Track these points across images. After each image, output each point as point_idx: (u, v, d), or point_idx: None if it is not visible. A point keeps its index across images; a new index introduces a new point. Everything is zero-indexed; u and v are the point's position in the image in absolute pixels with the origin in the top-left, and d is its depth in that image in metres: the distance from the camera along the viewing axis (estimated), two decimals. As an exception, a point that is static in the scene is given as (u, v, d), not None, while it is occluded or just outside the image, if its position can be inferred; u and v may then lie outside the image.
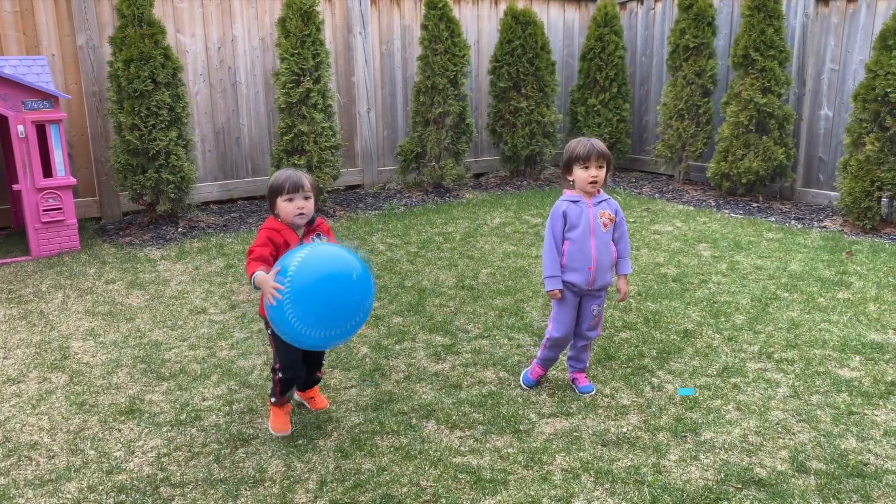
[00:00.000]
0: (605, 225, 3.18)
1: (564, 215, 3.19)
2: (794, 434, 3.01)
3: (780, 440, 2.97)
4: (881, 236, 6.02)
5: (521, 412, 3.21)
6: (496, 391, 3.41)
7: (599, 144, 3.14)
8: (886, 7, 6.55)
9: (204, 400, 3.40)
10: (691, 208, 7.15)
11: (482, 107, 8.73)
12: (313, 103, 6.66)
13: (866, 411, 3.18)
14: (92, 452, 2.98)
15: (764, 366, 3.64)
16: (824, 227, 6.42)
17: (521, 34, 7.97)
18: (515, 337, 4.04)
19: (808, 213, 6.93)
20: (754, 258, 5.42)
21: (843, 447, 2.90)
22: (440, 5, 7.46)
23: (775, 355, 3.75)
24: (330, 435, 3.07)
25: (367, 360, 3.79)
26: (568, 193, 3.24)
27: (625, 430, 3.06)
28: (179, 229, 6.43)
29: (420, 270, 5.25)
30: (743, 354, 3.77)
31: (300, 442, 3.02)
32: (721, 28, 7.88)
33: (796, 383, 3.45)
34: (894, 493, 2.61)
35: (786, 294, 4.64)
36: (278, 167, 6.77)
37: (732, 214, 6.87)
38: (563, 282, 3.22)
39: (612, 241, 3.24)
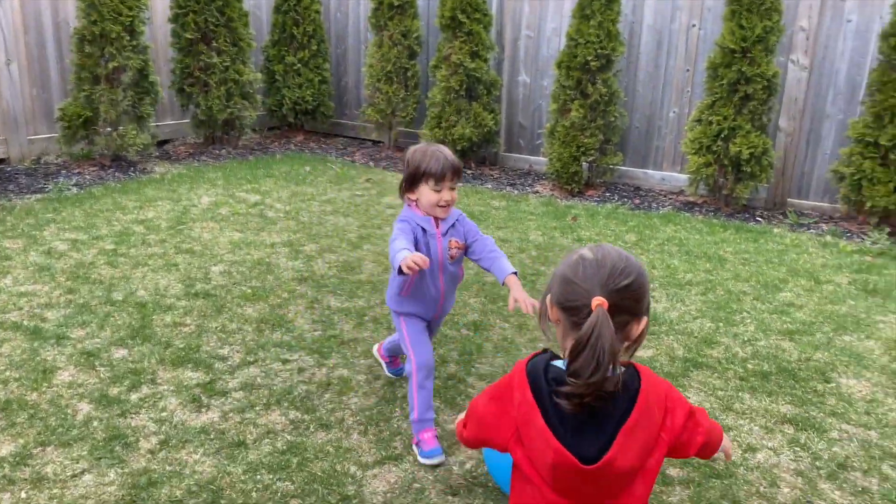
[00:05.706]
0: (452, 256, 2.63)
1: (414, 234, 2.55)
2: None
3: None
4: (586, 199, 6.39)
5: (338, 467, 2.51)
6: (296, 441, 2.64)
7: (452, 157, 2.52)
8: (576, -21, 6.87)
9: None
10: (411, 176, 6.86)
11: (160, 61, 7.33)
12: (-72, 50, 4.80)
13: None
14: None
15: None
16: (537, 192, 6.62)
17: (206, -23, 6.79)
18: (290, 358, 3.25)
19: (517, 178, 7.12)
20: (493, 230, 5.31)
21: None
22: (103, -69, 5.94)
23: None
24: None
25: (95, 423, 2.69)
26: (415, 213, 2.57)
27: (469, 466, 2.57)
28: None
29: (129, 276, 4.07)
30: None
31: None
32: (421, -13, 7.63)
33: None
34: None
35: (543, 268, 4.57)
36: None
37: (452, 182, 6.75)
38: (407, 312, 2.67)
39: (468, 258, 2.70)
